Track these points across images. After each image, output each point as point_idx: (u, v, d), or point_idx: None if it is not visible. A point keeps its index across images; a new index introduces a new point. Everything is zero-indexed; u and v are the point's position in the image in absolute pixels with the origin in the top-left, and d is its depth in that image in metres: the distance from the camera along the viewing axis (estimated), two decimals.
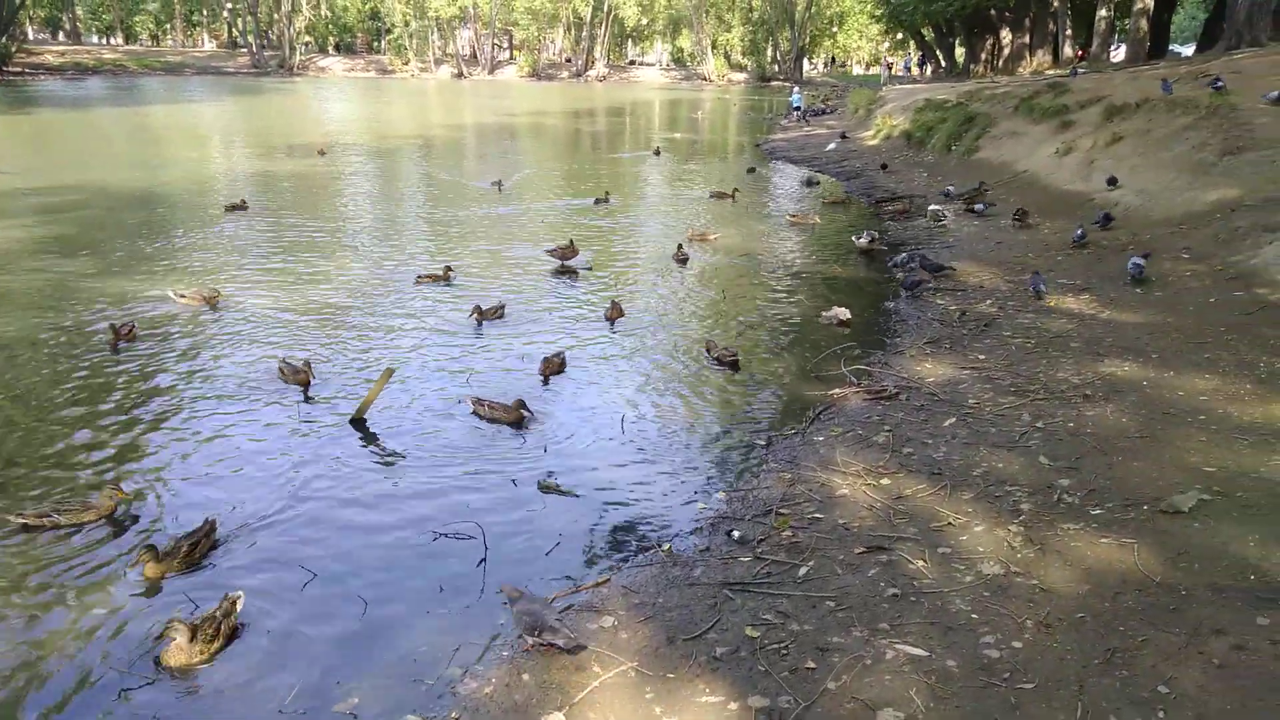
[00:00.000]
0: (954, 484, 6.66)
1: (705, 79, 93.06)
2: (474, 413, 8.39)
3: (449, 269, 13.29)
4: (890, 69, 67.90)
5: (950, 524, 6.08)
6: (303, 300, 12.07)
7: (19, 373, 9.29)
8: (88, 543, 6.19)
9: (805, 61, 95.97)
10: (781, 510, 6.48)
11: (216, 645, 5.02)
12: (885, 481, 6.84)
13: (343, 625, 5.35)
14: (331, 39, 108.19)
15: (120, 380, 9.14)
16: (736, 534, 6.21)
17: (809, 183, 24.27)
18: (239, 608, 5.24)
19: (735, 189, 21.86)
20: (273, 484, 7.05)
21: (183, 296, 11.63)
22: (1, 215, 17.29)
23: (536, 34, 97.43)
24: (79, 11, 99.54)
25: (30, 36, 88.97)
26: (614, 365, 9.90)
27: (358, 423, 8.21)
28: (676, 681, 4.67)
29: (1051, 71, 34.98)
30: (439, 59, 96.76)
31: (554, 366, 9.54)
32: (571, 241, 14.44)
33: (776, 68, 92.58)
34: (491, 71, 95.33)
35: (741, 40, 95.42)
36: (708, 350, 10.08)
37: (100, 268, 13.57)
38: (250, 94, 60.95)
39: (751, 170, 27.46)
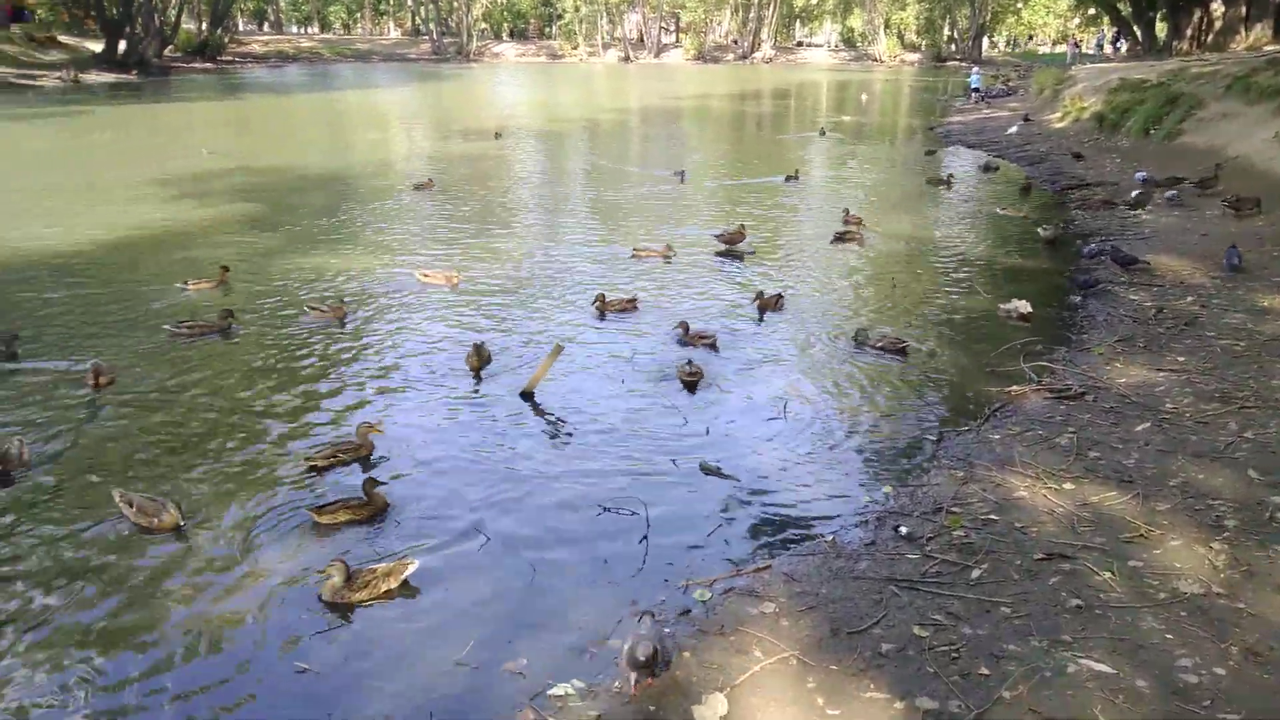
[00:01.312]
0: (1147, 494, 6.19)
1: (876, 60, 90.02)
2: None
3: (670, 247, 13.66)
4: (1079, 47, 63.36)
5: (1142, 536, 5.65)
6: (487, 276, 12.59)
7: (234, 343, 10.16)
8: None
9: (985, 40, 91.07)
10: (953, 509, 6.22)
11: (363, 596, 5.34)
12: (1068, 486, 6.43)
13: (513, 589, 5.58)
14: (506, 25, 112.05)
15: (309, 350, 9.84)
16: (904, 530, 6.02)
17: (987, 168, 23.07)
18: (406, 573, 5.50)
19: (950, 175, 20.90)
20: (449, 451, 7.41)
21: (427, 276, 12.04)
22: (211, 194, 18.95)
23: (703, 16, 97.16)
24: (282, 3, 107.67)
25: (240, 27, 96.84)
26: (778, 351, 9.78)
27: (527, 396, 8.50)
28: (840, 674, 4.59)
29: (1271, 47, 31.59)
30: (607, 43, 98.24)
31: (770, 304, 10.83)
32: (741, 226, 14.44)
33: (953, 47, 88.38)
34: (657, 55, 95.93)
35: (917, 18, 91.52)
36: (856, 341, 9.78)
37: (297, 243, 14.66)
38: (430, 79, 63.99)
39: (930, 153, 26.38)
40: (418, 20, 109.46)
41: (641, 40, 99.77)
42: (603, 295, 11.09)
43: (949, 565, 5.54)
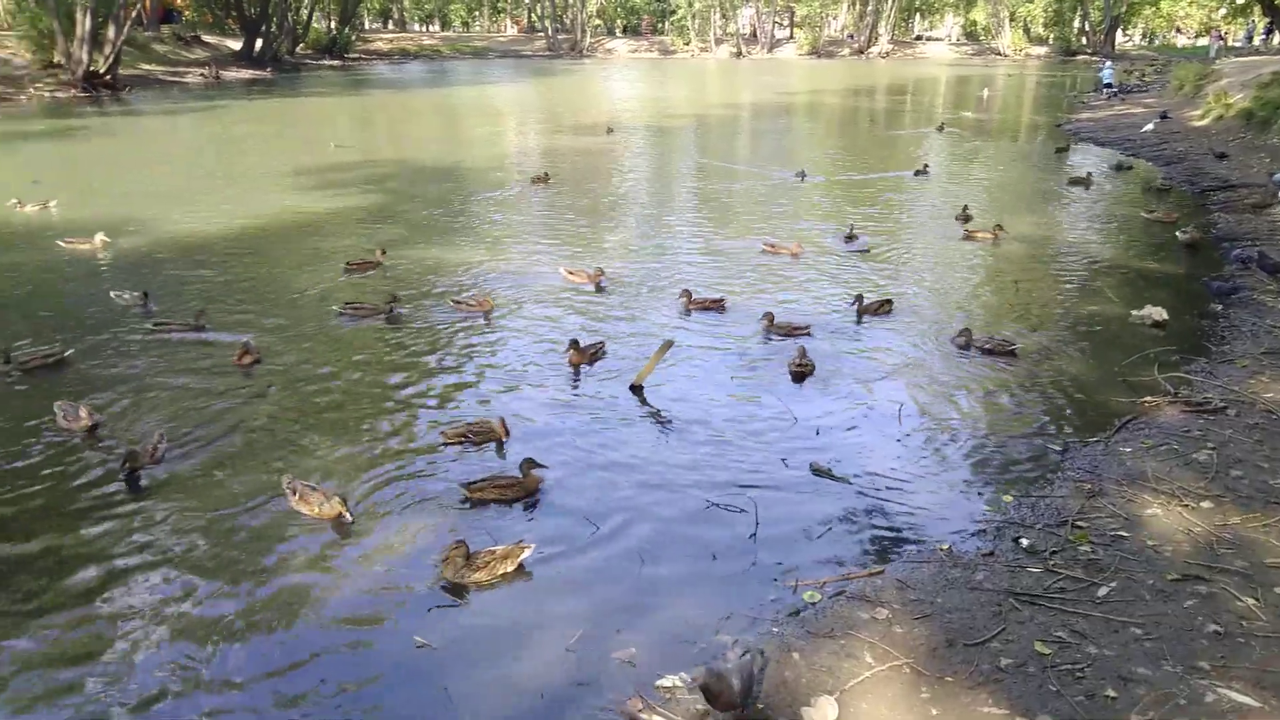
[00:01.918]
0: None
1: (999, 54, 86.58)
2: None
3: (799, 244, 13.59)
4: (1224, 40, 59.38)
5: None
6: (608, 270, 12.73)
7: (380, 327, 10.60)
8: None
9: (1119, 33, 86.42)
10: (1079, 523, 5.96)
11: (481, 577, 5.48)
12: (1206, 506, 6.07)
13: (621, 579, 5.64)
14: (619, 22, 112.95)
15: (450, 339, 10.17)
16: (1025, 542, 5.80)
17: (1119, 167, 21.92)
18: (522, 556, 5.63)
19: (1089, 174, 20.00)
20: (560, 441, 7.54)
21: (572, 274, 12.06)
22: (338, 185, 19.80)
23: (818, 10, 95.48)
24: (405, 2, 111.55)
25: (366, 26, 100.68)
26: (892, 353, 9.56)
27: (636, 389, 8.56)
28: (955, 686, 4.46)
29: None
30: (719, 38, 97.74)
31: (870, 308, 10.54)
32: (852, 227, 14.22)
33: (1084, 40, 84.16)
34: (770, 50, 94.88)
35: (1045, 10, 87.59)
36: (958, 343, 9.55)
37: (427, 233, 15.16)
38: (544, 75, 65.11)
39: (1061, 150, 25.23)
40: (534, 17, 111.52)
41: (755, 35, 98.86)
42: (688, 292, 11.14)
43: (1074, 581, 5.31)
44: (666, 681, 4.66)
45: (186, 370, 8.98)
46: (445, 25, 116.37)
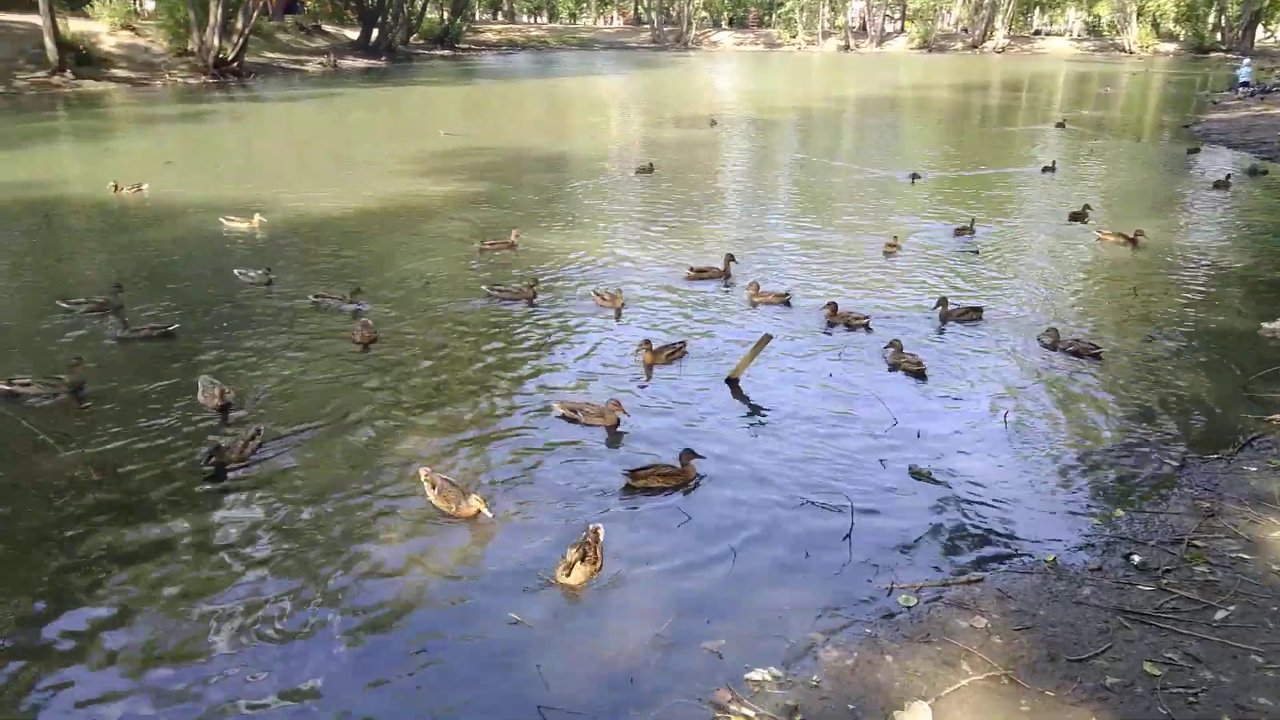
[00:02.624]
0: None
1: (1124, 51, 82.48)
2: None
3: (896, 237, 13.50)
4: None
5: None
6: (686, 262, 12.77)
7: (473, 313, 10.90)
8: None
9: (1259, 29, 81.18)
10: (1195, 542, 5.68)
11: (593, 569, 5.44)
12: None
13: (712, 571, 5.64)
14: (725, 14, 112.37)
15: (549, 326, 10.37)
16: (1137, 559, 5.56)
17: (1254, 171, 20.64)
18: (601, 536, 5.65)
19: (1229, 175, 19.01)
20: (654, 429, 7.58)
21: (701, 273, 11.77)
22: (447, 171, 20.35)
23: (932, 3, 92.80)
24: None
25: (476, 17, 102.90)
26: (997, 356, 9.27)
27: (732, 383, 8.54)
28: (1056, 701, 4.32)
29: None
30: (826, 31, 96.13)
31: (955, 314, 10.14)
32: (973, 221, 14.14)
33: (1219, 36, 79.43)
34: (879, 44, 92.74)
35: (1176, 5, 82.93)
36: (1045, 342, 9.36)
37: (527, 220, 15.42)
38: (648, 66, 65.33)
39: (1194, 151, 23.89)
40: (640, 9, 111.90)
41: (864, 28, 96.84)
42: (756, 284, 11.11)
43: (1189, 603, 5.07)
44: (756, 675, 4.66)
45: (307, 348, 9.39)
46: (553, 17, 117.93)
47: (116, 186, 16.99)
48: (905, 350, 8.97)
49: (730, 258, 11.97)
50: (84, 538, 5.92)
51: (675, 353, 9.07)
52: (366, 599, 5.34)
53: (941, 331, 9.99)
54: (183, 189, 17.75)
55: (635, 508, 6.35)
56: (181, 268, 12.45)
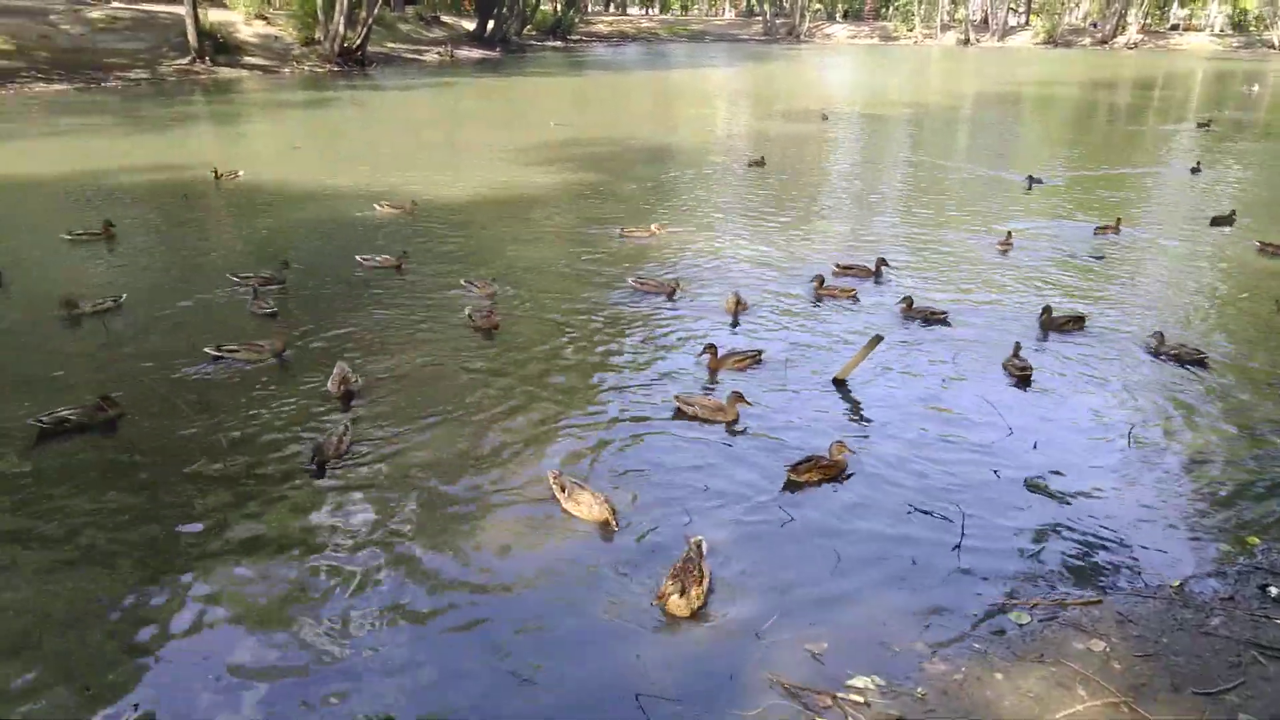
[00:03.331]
0: None
1: (1272, 47, 77.09)
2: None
3: (1010, 234, 13.26)
4: None
5: None
6: (809, 258, 12.63)
7: (593, 304, 11.07)
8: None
9: None
10: None
11: (706, 585, 5.20)
12: None
13: (815, 572, 5.58)
14: (840, 6, 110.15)
15: (665, 322, 10.44)
16: (1275, 591, 5.23)
17: None
18: (704, 549, 5.45)
19: None
20: (757, 427, 7.54)
21: (848, 270, 11.64)
22: (559, 161, 20.64)
23: None
24: None
25: (588, 8, 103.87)
26: (1117, 364, 8.83)
27: (839, 383, 8.41)
28: None
29: None
30: (945, 24, 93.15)
31: (1057, 324, 9.73)
32: (1119, 220, 13.99)
33: None
34: (1001, 38, 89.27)
35: None
36: (1152, 346, 9.11)
37: (642, 213, 15.55)
38: (758, 59, 64.68)
39: None
40: (752, 1, 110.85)
41: (985, 21, 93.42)
42: (821, 277, 11.06)
43: None
44: (859, 682, 4.60)
45: (431, 333, 9.70)
46: (664, 8, 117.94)
47: (217, 173, 17.59)
48: (1019, 355, 8.66)
49: (883, 261, 11.71)
50: (196, 506, 6.28)
51: (746, 360, 8.72)
52: (472, 585, 5.48)
53: (1044, 340, 9.59)
54: (309, 173, 18.55)
55: (741, 505, 6.32)
56: (311, 248, 13.03)
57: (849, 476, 6.68)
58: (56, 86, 34.58)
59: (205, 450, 6.96)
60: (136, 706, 4.47)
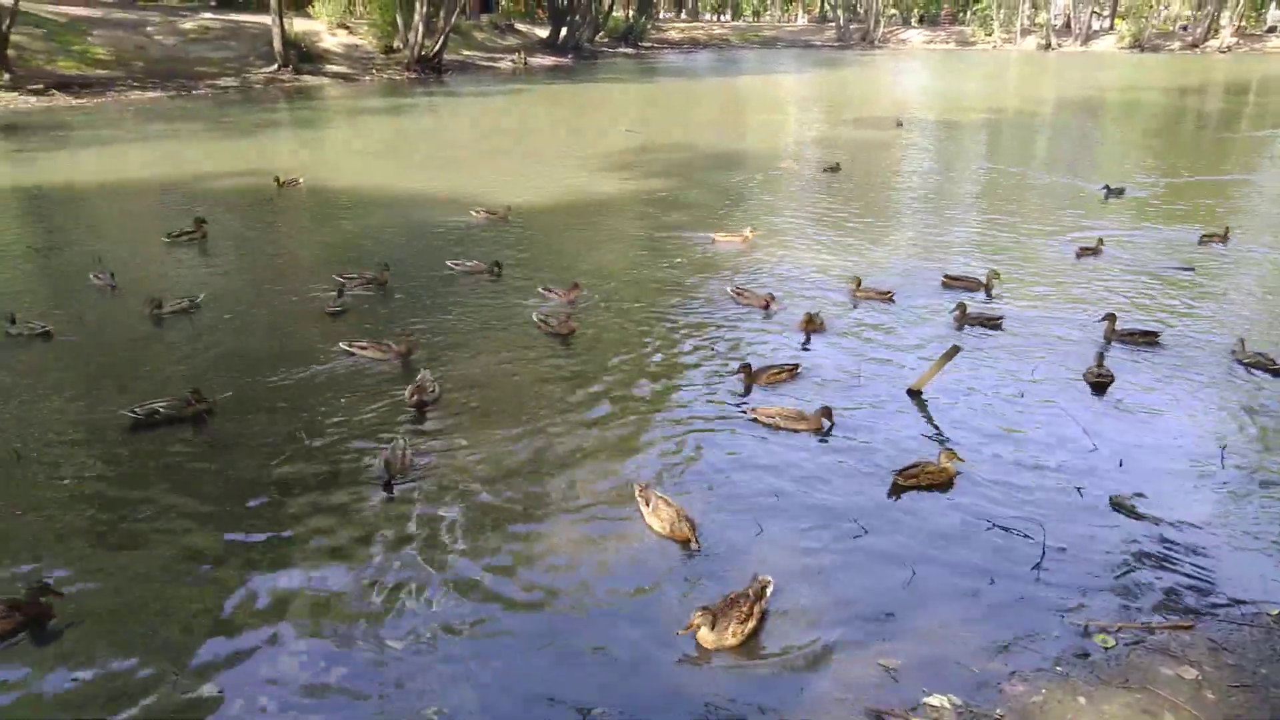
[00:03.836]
0: None
1: None
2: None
3: (1101, 240, 13.03)
4: None
5: None
6: (882, 265, 12.47)
7: (635, 306, 11.11)
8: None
9: None
10: None
11: (750, 626, 4.95)
12: None
13: (889, 585, 5.47)
14: (916, 11, 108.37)
15: (703, 324, 10.42)
16: None
17: None
18: (768, 592, 5.20)
19: None
20: (831, 439, 7.45)
21: (956, 280, 11.36)
22: (629, 166, 20.75)
23: None
24: None
25: (660, 15, 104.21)
26: (1214, 381, 8.47)
27: (914, 394, 8.25)
28: None
29: None
30: (1025, 29, 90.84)
31: (1125, 337, 9.44)
32: (1227, 229, 13.63)
33: None
34: (1084, 42, 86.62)
35: None
36: (1234, 351, 8.96)
37: (702, 218, 15.54)
38: (832, 65, 63.99)
39: None
40: (826, 6, 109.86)
41: (1068, 25, 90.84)
42: (858, 279, 11.03)
43: None
44: (934, 700, 4.50)
45: (507, 343, 9.82)
46: (736, 14, 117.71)
47: (279, 181, 17.69)
48: (1101, 365, 8.41)
49: (995, 274, 11.26)
50: (272, 505, 6.47)
51: (781, 374, 8.49)
52: (537, 600, 5.46)
53: (1105, 351, 9.21)
54: (389, 179, 19.01)
55: (813, 516, 6.25)
56: (399, 251, 13.32)
57: (952, 486, 6.58)
58: (151, 94, 36.12)
59: (286, 449, 7.16)
60: (205, 699, 4.62)
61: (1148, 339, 9.44)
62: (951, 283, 11.40)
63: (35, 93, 33.22)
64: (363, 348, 8.97)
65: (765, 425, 7.53)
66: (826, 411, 7.51)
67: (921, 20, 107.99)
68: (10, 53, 34.15)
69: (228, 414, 7.79)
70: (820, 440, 7.34)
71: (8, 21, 33.37)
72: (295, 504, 6.37)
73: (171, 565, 5.66)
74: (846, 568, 5.67)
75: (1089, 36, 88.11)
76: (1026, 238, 14.19)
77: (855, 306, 10.60)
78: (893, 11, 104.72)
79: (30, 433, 7.47)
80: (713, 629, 4.86)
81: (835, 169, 19.70)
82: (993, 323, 9.97)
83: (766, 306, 10.58)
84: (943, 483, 6.61)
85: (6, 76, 33.36)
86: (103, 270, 11.17)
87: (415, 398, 7.79)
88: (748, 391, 8.34)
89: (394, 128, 28.99)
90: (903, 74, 58.73)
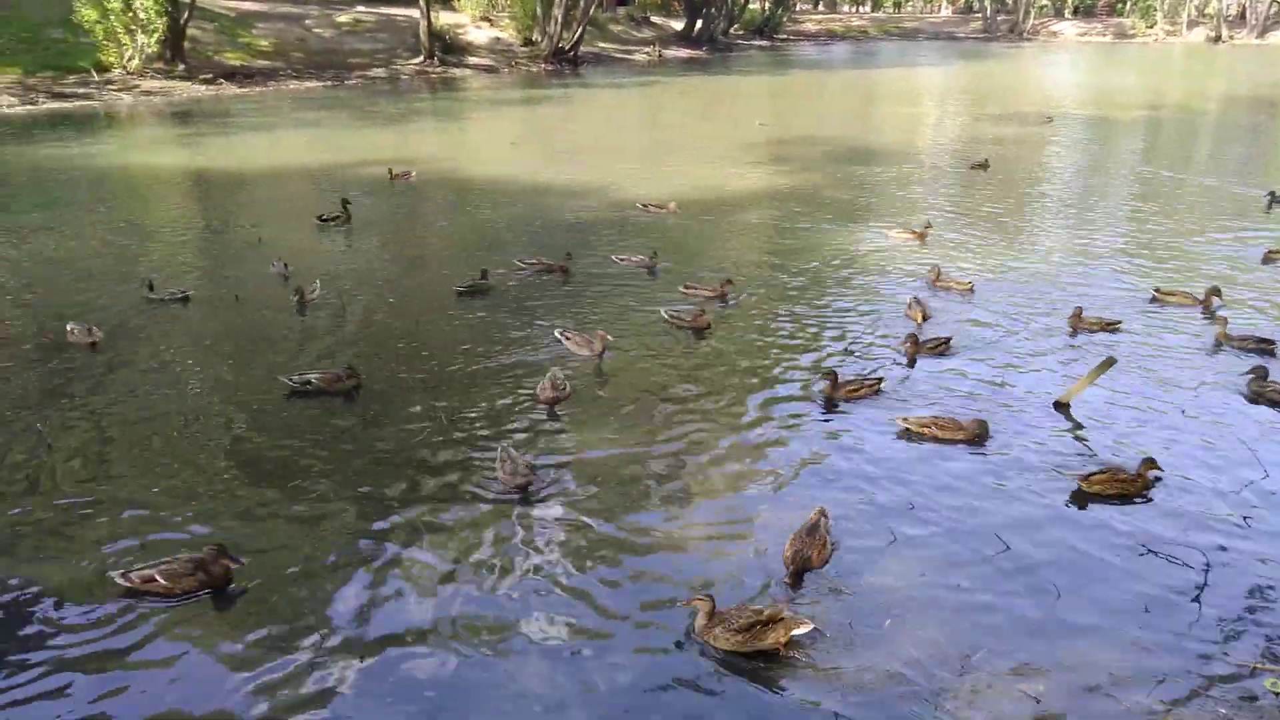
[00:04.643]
0: None
1: None
2: None
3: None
4: None
5: None
6: (1029, 268, 11.94)
7: (774, 303, 10.98)
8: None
9: None
10: None
11: (734, 640, 4.77)
12: None
13: (1032, 608, 5.21)
14: (1071, 1, 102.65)
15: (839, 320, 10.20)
16: None
17: None
18: (787, 637, 4.81)
19: None
20: (960, 452, 7.16)
21: (1168, 295, 10.56)
22: (768, 161, 20.55)
23: None
24: None
25: (797, 7, 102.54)
26: None
27: (1061, 407, 7.83)
28: None
29: None
30: (1193, 20, 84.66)
31: (1248, 343, 8.95)
32: None
33: None
34: (1261, 34, 79.97)
35: None
36: None
37: (841, 215, 15.23)
38: (977, 58, 61.43)
39: None
40: None
41: (1243, 16, 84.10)
42: (938, 269, 10.98)
43: None
44: None
45: (645, 337, 9.86)
46: (876, 6, 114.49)
47: (391, 173, 17.88)
48: (1267, 379, 7.78)
49: (1215, 290, 10.29)
50: (405, 490, 6.71)
51: (864, 388, 7.98)
52: (666, 595, 5.51)
53: (1214, 353, 8.62)
54: (529, 169, 19.45)
55: (948, 527, 6.02)
56: (537, 241, 13.66)
57: (1148, 499, 6.28)
58: (308, 84, 38.19)
59: (426, 431, 7.38)
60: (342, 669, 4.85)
61: (1262, 345, 8.94)
62: (1163, 298, 10.53)
63: (206, 82, 35.67)
64: (569, 338, 9.00)
65: (918, 435, 7.24)
66: (982, 423, 7.22)
67: (1076, 11, 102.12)
68: (185, 45, 36.76)
69: (373, 391, 8.15)
70: (970, 451, 7.05)
71: (186, 15, 35.90)
72: (432, 486, 6.54)
73: (322, 537, 5.94)
74: (984, 582, 5.43)
75: (1266, 28, 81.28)
76: (1187, 244, 13.24)
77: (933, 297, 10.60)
78: (1044, 2, 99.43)
79: (191, 394, 8.07)
80: (708, 619, 4.84)
81: (984, 166, 18.95)
82: (1113, 326, 9.57)
83: (922, 320, 9.70)
84: (1131, 493, 6.31)
85: (182, 67, 35.95)
86: (280, 260, 11.72)
87: (547, 394, 7.77)
88: (830, 400, 7.94)
89: (532, 119, 29.69)
90: (1052, 67, 55.87)
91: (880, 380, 8.17)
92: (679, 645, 4.92)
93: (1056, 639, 4.95)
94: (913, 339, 8.97)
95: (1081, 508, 6.27)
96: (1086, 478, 6.37)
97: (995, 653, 4.84)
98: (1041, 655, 4.82)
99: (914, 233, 13.29)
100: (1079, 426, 7.51)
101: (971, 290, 10.81)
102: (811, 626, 4.86)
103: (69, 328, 9.25)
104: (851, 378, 8.20)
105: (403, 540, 5.88)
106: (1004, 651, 4.85)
